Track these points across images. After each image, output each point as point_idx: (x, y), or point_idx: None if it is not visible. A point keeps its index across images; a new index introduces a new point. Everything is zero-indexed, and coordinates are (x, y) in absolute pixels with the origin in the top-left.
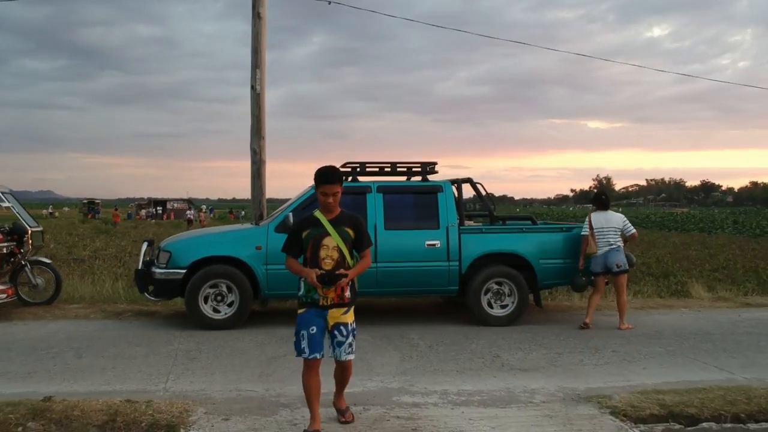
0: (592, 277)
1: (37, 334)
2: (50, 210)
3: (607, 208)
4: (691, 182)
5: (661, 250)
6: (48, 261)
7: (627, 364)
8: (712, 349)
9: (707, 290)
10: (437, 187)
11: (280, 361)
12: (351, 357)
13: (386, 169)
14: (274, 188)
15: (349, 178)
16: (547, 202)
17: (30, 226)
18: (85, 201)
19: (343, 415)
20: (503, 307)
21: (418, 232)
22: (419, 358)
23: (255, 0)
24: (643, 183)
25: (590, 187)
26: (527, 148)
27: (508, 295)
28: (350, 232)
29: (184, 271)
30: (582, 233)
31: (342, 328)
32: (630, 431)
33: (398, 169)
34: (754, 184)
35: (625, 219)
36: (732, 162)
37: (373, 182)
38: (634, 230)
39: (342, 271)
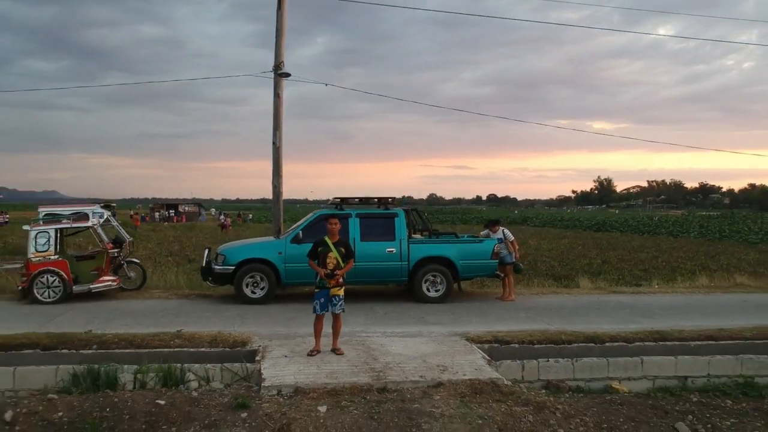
0: (506, 267)
1: (140, 307)
2: None
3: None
4: (692, 183)
5: (618, 252)
6: (137, 261)
7: (497, 321)
8: (555, 316)
9: (591, 282)
10: (394, 214)
11: (295, 320)
12: (340, 311)
13: (359, 201)
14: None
15: (338, 207)
16: (549, 203)
17: (126, 238)
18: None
19: (335, 351)
20: (437, 291)
21: (382, 243)
22: (376, 318)
23: (276, 85)
24: (645, 184)
25: (591, 189)
26: (532, 149)
27: (440, 283)
28: (343, 249)
29: (233, 267)
30: (511, 240)
31: (336, 297)
32: (470, 345)
33: (369, 202)
34: (752, 186)
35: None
36: (736, 163)
37: (353, 210)
38: (513, 238)
39: (337, 271)
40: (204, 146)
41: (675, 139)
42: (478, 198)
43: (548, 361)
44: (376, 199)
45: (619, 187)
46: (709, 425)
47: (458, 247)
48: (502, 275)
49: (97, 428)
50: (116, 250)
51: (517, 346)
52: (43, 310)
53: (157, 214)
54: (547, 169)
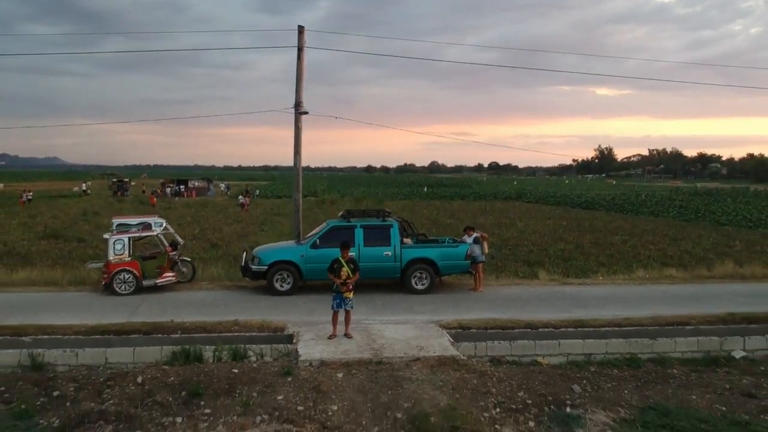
0: (477, 264)
1: (196, 298)
2: (84, 187)
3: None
4: (692, 152)
5: (595, 235)
6: (189, 259)
7: (465, 311)
8: (511, 306)
9: (547, 274)
10: (390, 224)
11: (315, 310)
12: (350, 308)
13: (363, 213)
14: (280, 156)
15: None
16: (551, 171)
17: (180, 241)
18: (114, 180)
19: (347, 336)
20: (423, 284)
21: (381, 248)
22: (375, 308)
23: (296, 119)
24: (646, 153)
25: (591, 158)
26: (534, 116)
27: (425, 279)
28: (351, 266)
29: (266, 267)
30: (482, 239)
31: (347, 299)
32: (442, 331)
33: (369, 214)
34: (751, 155)
35: (478, 235)
36: (741, 129)
37: (358, 221)
38: (481, 236)
39: (348, 280)
40: (206, 113)
41: (679, 105)
42: (480, 166)
43: (494, 342)
44: (375, 212)
45: (621, 155)
46: (596, 386)
47: (439, 251)
48: (474, 271)
49: (197, 387)
50: (174, 252)
51: (474, 331)
52: (125, 301)
53: (168, 189)
54: (550, 135)
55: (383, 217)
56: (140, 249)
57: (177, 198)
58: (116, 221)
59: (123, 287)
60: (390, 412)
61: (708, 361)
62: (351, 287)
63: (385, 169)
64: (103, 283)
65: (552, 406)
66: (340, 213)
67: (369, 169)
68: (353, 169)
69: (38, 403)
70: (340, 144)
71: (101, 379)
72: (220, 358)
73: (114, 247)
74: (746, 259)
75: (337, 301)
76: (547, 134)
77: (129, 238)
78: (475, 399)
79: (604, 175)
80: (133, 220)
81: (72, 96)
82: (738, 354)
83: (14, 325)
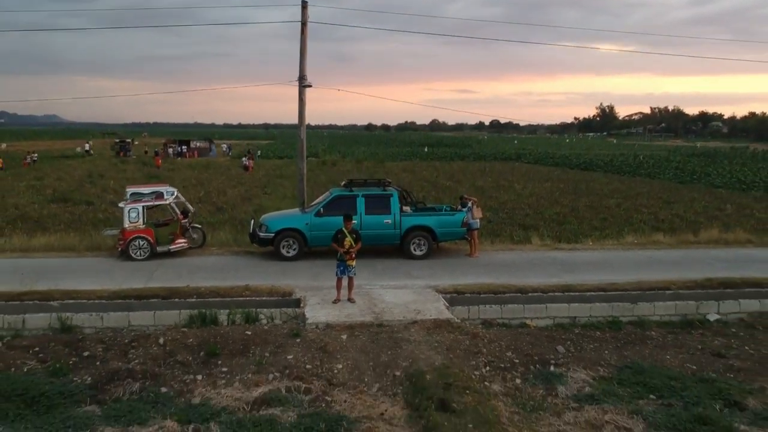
0: (473, 231)
1: (207, 263)
2: (87, 147)
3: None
4: (694, 110)
5: (590, 198)
6: (199, 226)
7: (460, 276)
8: (504, 271)
9: (540, 239)
10: (390, 194)
11: (320, 275)
12: (353, 275)
13: (364, 182)
14: (280, 114)
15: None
16: (552, 129)
17: (191, 209)
18: (117, 141)
19: (350, 300)
20: (421, 250)
21: (381, 216)
22: (376, 273)
23: (300, 92)
24: (648, 111)
25: (593, 116)
26: (536, 73)
27: (423, 245)
28: (354, 236)
29: (273, 234)
30: (477, 202)
31: (350, 267)
32: (438, 295)
33: (370, 183)
34: (752, 114)
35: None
36: (745, 87)
37: (360, 191)
38: (476, 203)
39: (351, 249)
40: (204, 69)
41: (682, 62)
42: (481, 124)
43: (486, 306)
44: (376, 181)
45: (622, 113)
46: (579, 347)
47: (437, 218)
48: (469, 238)
49: (214, 348)
50: (186, 220)
51: (468, 295)
52: (141, 266)
53: (170, 149)
54: (551, 93)
55: (384, 186)
56: (154, 216)
57: (179, 158)
58: (130, 190)
59: (138, 253)
60: (389, 370)
61: (684, 323)
62: (354, 256)
63: (385, 128)
64: (120, 249)
65: (537, 365)
66: (343, 182)
67: (369, 127)
68: (354, 127)
69: (71, 362)
70: (340, 102)
71: (126, 341)
72: (234, 321)
73: (129, 215)
74: (735, 223)
75: (341, 268)
76: (548, 92)
77: (143, 207)
78: (467, 358)
79: (605, 133)
80: (146, 189)
81: (71, 52)
82: (712, 317)
83: (42, 290)
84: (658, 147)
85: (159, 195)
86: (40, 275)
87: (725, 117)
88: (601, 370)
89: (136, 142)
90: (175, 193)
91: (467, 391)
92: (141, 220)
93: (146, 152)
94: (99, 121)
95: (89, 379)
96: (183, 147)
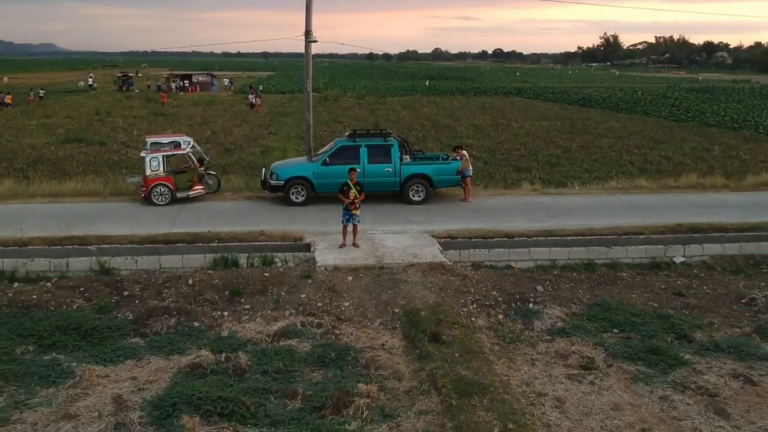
0: (466, 178)
1: (223, 208)
2: (90, 81)
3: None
4: (700, 39)
5: (586, 137)
6: (214, 173)
7: (454, 221)
8: (494, 216)
9: (530, 184)
10: (391, 144)
11: (327, 220)
12: (357, 222)
13: (367, 132)
14: (279, 42)
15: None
16: (556, 58)
17: (206, 158)
18: (119, 75)
19: (355, 245)
20: (419, 196)
21: (383, 165)
22: (378, 218)
23: (306, 46)
24: (652, 40)
25: (597, 45)
26: None
27: (421, 191)
28: (358, 188)
29: (283, 181)
30: (467, 158)
31: (355, 215)
32: (433, 240)
33: (372, 134)
34: (758, 44)
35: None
36: (755, 13)
37: (363, 141)
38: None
39: (356, 200)
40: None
41: None
42: (484, 52)
43: (476, 250)
44: (378, 132)
45: (629, 41)
46: (556, 287)
47: (434, 167)
48: (463, 185)
49: (237, 288)
50: (202, 167)
51: (460, 239)
52: (164, 211)
53: (173, 84)
54: (557, 20)
55: (385, 137)
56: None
57: (182, 93)
58: (149, 140)
59: (160, 199)
60: (389, 307)
61: (653, 265)
62: (358, 206)
63: (387, 56)
64: (143, 195)
65: (518, 303)
66: (347, 133)
67: (371, 56)
68: (355, 56)
69: (113, 300)
70: (342, 29)
71: (159, 282)
72: (253, 263)
73: (150, 164)
74: (719, 166)
75: (347, 217)
76: (554, 18)
77: (163, 156)
78: (457, 297)
79: (608, 63)
80: (165, 139)
81: None
82: (678, 259)
83: (79, 235)
84: (659, 80)
85: (176, 145)
86: (74, 220)
87: (732, 47)
88: (574, 307)
89: (140, 74)
90: (191, 143)
91: (456, 326)
92: (161, 168)
93: (149, 86)
94: (97, 49)
95: (131, 315)
96: (185, 81)
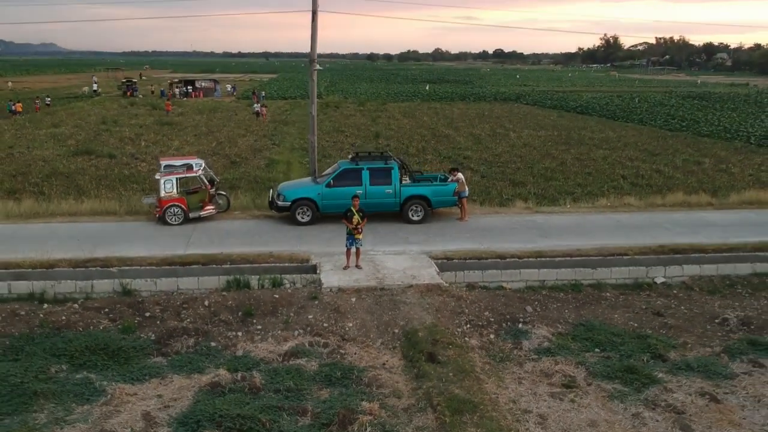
0: (462, 199)
1: (233, 227)
2: (94, 87)
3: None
4: (700, 40)
5: (581, 149)
6: (224, 193)
7: (450, 241)
8: (488, 236)
9: (524, 201)
10: (391, 167)
11: (332, 240)
12: (360, 246)
13: (368, 155)
14: (280, 43)
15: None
16: (556, 58)
17: (215, 178)
18: (123, 80)
19: (357, 267)
20: (418, 216)
21: (383, 186)
22: (379, 237)
23: (311, 74)
24: (653, 41)
25: (597, 46)
26: None
27: (420, 211)
28: (361, 213)
29: (289, 203)
30: (462, 180)
31: (358, 239)
32: (431, 261)
33: (374, 157)
34: (758, 46)
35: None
36: (757, 14)
37: (365, 164)
38: (462, 179)
39: (359, 225)
40: None
41: None
42: (485, 52)
43: (470, 271)
44: (379, 154)
45: (629, 42)
46: (544, 307)
47: (432, 188)
48: (460, 205)
49: (250, 309)
50: (214, 188)
51: (456, 261)
52: (178, 231)
53: (177, 90)
54: (558, 20)
55: (386, 159)
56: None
57: (185, 99)
58: (163, 163)
59: (173, 219)
60: (390, 328)
61: (635, 286)
62: (361, 230)
63: (387, 57)
64: (157, 215)
65: (509, 323)
66: (350, 156)
67: (371, 57)
68: (356, 56)
69: (136, 321)
70: (342, 29)
71: (178, 303)
72: (263, 285)
73: (164, 186)
74: (708, 180)
75: (350, 240)
76: (554, 19)
77: (176, 178)
78: (453, 318)
79: (608, 65)
80: (178, 162)
81: None
82: (659, 280)
83: (102, 257)
84: (658, 83)
85: (189, 167)
86: (94, 240)
87: (731, 47)
88: (560, 327)
89: (143, 77)
90: (203, 165)
91: (450, 346)
92: (175, 189)
93: (152, 92)
94: (97, 49)
95: (153, 335)
96: (188, 87)
